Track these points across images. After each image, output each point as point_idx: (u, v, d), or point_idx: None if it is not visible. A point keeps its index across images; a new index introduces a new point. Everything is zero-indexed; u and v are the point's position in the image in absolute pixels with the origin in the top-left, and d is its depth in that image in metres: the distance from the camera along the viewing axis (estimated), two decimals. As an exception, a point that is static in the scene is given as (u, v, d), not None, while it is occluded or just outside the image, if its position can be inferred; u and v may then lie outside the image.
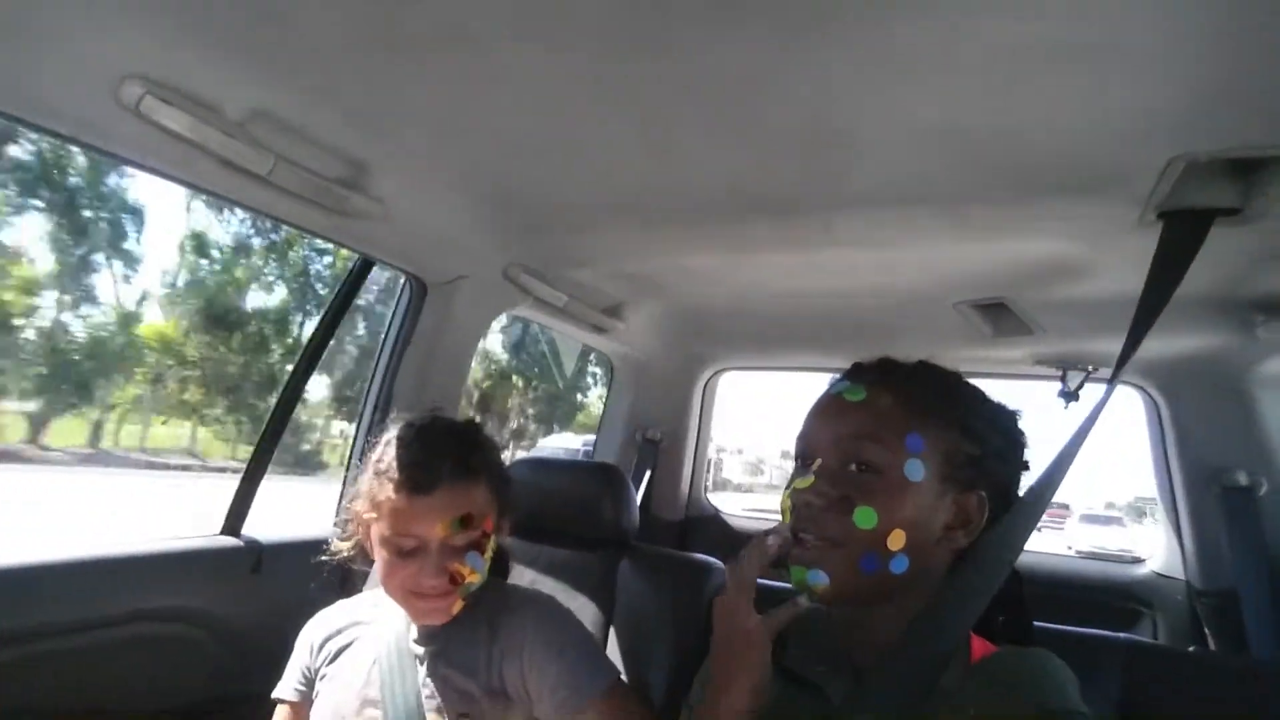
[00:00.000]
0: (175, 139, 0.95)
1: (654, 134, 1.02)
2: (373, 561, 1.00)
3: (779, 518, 0.77)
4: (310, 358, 1.45)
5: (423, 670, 1.00)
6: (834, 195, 1.16)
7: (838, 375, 0.83)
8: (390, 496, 0.95)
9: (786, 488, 0.77)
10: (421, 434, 1.00)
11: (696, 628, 1.24)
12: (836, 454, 0.75)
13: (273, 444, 1.44)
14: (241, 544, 1.38)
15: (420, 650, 1.01)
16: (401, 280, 1.58)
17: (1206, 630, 1.87)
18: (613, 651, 1.26)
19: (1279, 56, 0.74)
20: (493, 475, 1.02)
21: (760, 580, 0.74)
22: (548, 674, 0.97)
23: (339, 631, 1.07)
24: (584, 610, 1.31)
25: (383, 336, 1.62)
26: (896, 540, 0.70)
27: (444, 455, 0.97)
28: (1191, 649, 1.79)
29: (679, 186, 1.20)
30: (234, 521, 1.40)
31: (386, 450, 0.99)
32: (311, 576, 1.11)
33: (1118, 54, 0.76)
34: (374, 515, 0.97)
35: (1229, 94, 0.81)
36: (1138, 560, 2.14)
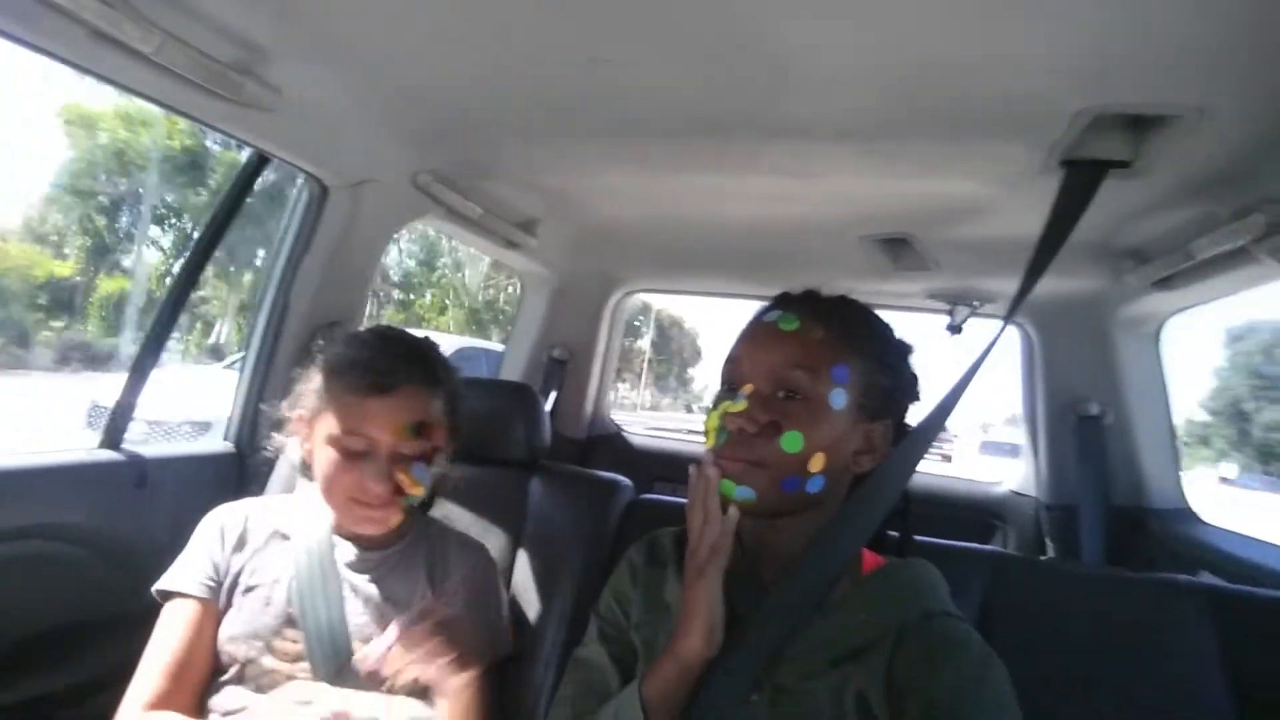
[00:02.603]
0: (41, 4, 0.82)
1: (582, 41, 0.97)
2: (294, 471, 0.97)
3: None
4: (198, 260, 1.34)
5: (353, 597, 0.98)
6: (763, 121, 1.16)
7: (763, 303, 0.86)
8: (346, 393, 0.92)
9: (713, 408, 0.81)
10: (382, 337, 0.99)
11: (604, 543, 1.28)
12: (768, 380, 0.78)
13: (156, 352, 1.33)
14: (123, 458, 1.28)
15: (354, 577, 0.99)
16: (300, 180, 1.46)
17: (1047, 540, 2.12)
18: (521, 567, 1.29)
19: (1182, 18, 0.78)
20: (450, 393, 1.02)
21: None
22: (463, 621, 0.99)
23: (257, 532, 1.00)
24: (493, 527, 1.32)
25: (277, 240, 1.51)
26: (817, 463, 0.76)
27: (407, 359, 0.96)
28: (1042, 558, 2.02)
29: (605, 98, 1.15)
30: (114, 434, 1.30)
31: (340, 350, 0.97)
32: (200, 491, 1.06)
33: (1041, 3, 0.78)
34: (322, 413, 0.94)
35: (1135, 50, 0.85)
36: (997, 481, 2.37)
